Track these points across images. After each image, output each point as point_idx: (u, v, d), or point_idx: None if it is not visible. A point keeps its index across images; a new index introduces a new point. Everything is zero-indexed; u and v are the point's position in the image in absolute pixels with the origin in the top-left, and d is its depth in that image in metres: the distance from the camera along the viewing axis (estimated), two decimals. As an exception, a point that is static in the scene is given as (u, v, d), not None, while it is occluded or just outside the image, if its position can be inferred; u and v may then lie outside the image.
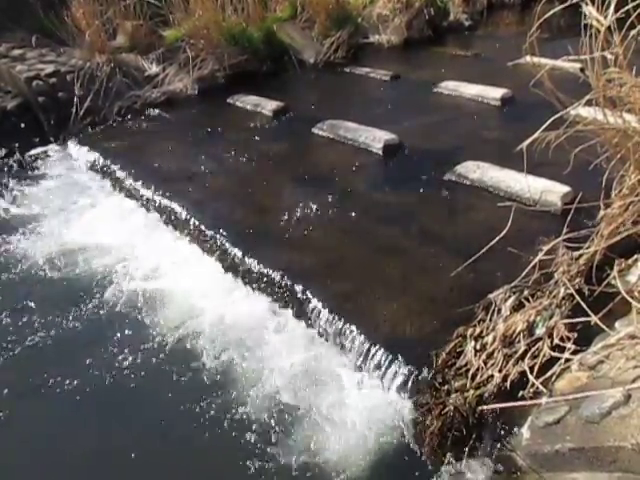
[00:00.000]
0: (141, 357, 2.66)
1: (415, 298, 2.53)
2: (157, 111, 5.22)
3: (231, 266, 3.06)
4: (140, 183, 3.91)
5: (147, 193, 3.81)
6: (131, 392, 2.52)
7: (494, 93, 4.76)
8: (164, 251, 3.38)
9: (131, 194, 3.95)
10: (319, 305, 2.59)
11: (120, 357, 2.68)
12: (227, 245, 3.12)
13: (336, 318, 2.50)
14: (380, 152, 3.98)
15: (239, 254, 3.03)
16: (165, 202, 3.66)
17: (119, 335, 2.82)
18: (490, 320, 2.20)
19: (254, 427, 2.29)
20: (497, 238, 2.28)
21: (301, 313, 2.66)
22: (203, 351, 2.66)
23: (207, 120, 5.00)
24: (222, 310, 2.85)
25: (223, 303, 2.90)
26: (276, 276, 2.82)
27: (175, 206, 3.57)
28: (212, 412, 2.37)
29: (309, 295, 2.66)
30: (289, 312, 2.74)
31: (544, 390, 1.91)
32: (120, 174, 4.12)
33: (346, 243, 3.03)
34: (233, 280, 3.02)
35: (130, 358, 2.67)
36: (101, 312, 2.98)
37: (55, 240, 3.60)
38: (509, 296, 2.26)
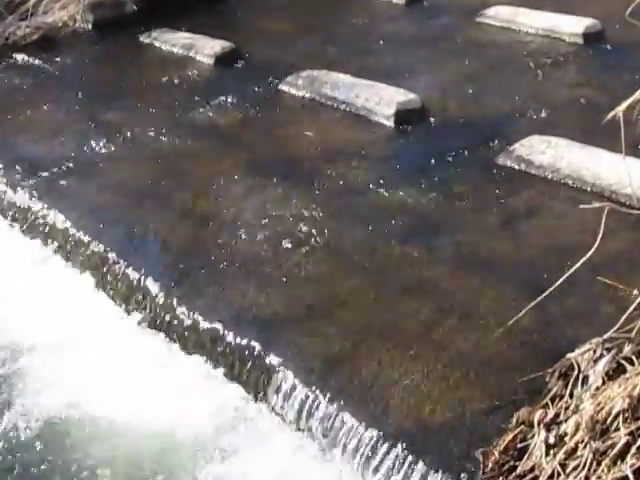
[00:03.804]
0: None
1: (448, 362, 2.55)
2: (27, 56, 5.25)
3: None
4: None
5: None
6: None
7: (572, 25, 4.83)
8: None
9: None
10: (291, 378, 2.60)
11: None
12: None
13: (319, 399, 2.50)
14: (391, 122, 4.02)
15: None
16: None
17: None
18: (570, 396, 2.23)
19: None
20: (581, 261, 2.28)
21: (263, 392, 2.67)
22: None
23: (108, 71, 5.06)
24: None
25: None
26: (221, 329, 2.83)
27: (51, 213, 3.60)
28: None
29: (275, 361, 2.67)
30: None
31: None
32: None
33: (338, 273, 3.05)
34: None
35: None
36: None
37: None
38: (600, 355, 2.29)
